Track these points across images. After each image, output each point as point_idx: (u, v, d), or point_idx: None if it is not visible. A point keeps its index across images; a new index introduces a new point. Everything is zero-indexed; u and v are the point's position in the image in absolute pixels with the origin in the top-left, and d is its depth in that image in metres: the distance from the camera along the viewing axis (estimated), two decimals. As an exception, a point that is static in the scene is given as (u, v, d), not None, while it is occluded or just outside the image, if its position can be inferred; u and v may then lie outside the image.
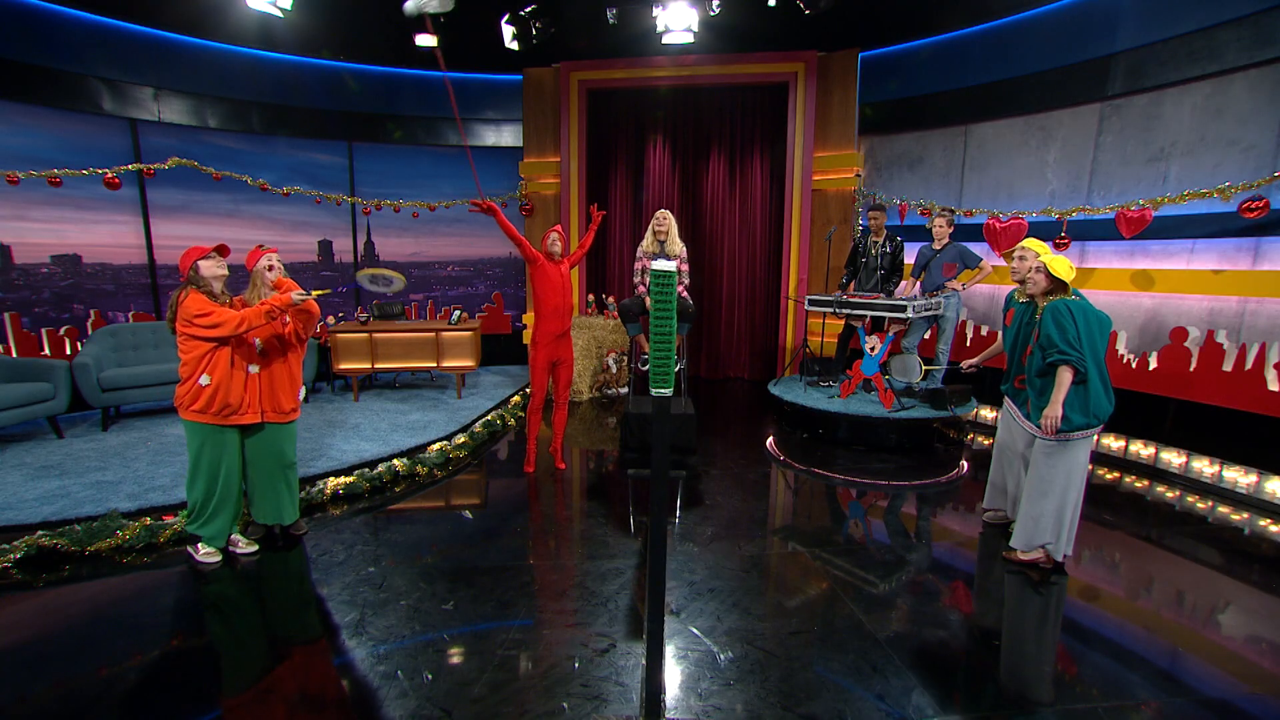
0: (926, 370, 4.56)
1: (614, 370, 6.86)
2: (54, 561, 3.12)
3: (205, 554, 3.10)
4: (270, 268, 3.12)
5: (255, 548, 3.23)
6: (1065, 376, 2.83)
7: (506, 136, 7.58)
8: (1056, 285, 2.96)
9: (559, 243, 4.15)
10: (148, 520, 3.34)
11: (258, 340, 3.08)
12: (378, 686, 2.26)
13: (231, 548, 3.20)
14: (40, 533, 3.16)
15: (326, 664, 2.44)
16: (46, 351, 5.60)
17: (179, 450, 4.38)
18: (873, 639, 2.58)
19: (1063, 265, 2.90)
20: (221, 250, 3.01)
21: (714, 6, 5.62)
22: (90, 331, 5.69)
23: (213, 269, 2.96)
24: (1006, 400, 3.42)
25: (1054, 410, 2.84)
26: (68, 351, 5.69)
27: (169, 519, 3.38)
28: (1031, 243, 3.10)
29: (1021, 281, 3.14)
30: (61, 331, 5.71)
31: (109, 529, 3.23)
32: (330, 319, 6.81)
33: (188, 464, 3.03)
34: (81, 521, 3.27)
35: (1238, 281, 4.46)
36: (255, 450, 3.20)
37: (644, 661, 2.30)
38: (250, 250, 3.18)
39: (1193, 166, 4.68)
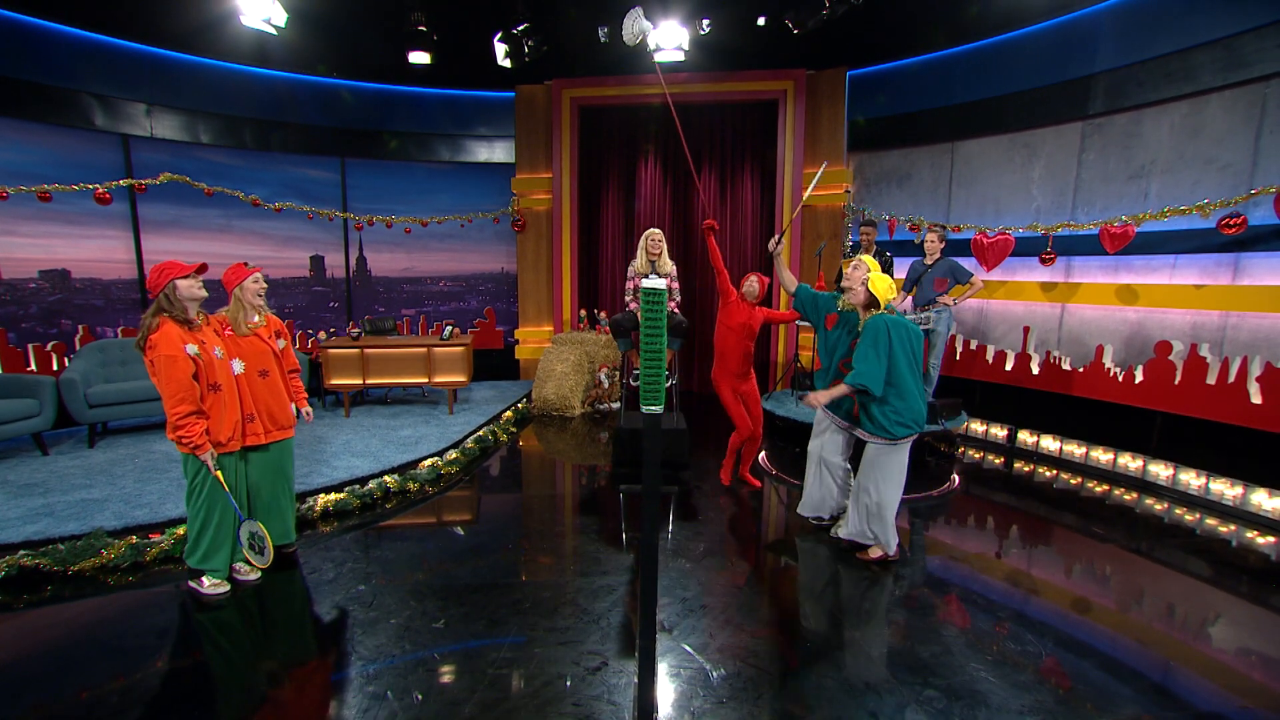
0: None
1: (606, 385, 6.86)
2: (36, 582, 3.07)
3: (212, 586, 2.95)
4: (260, 292, 3.11)
5: (259, 574, 3.12)
6: (845, 389, 3.18)
7: (499, 153, 7.64)
8: (872, 301, 3.16)
9: (756, 284, 4.10)
10: (133, 539, 3.29)
11: (238, 362, 3.00)
12: (367, 707, 2.23)
13: (236, 575, 3.08)
14: (22, 552, 3.11)
15: (315, 685, 2.40)
16: (33, 367, 5.54)
17: (167, 467, 4.33)
18: (866, 654, 2.58)
19: (883, 284, 3.14)
20: (202, 269, 2.85)
21: (704, 25, 5.73)
22: (78, 347, 5.64)
23: (192, 290, 2.78)
24: (827, 414, 3.55)
25: (820, 399, 3.25)
26: (54, 367, 5.64)
27: (155, 537, 3.33)
28: (868, 258, 3.34)
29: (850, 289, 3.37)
30: (49, 347, 5.65)
31: (93, 548, 3.18)
32: (321, 334, 6.78)
33: (185, 493, 2.91)
34: (65, 540, 3.22)
35: (1219, 296, 4.54)
36: (260, 470, 3.14)
37: (636, 680, 2.28)
38: (232, 265, 3.10)
39: (1172, 184, 4.78)
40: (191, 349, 2.76)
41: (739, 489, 4.46)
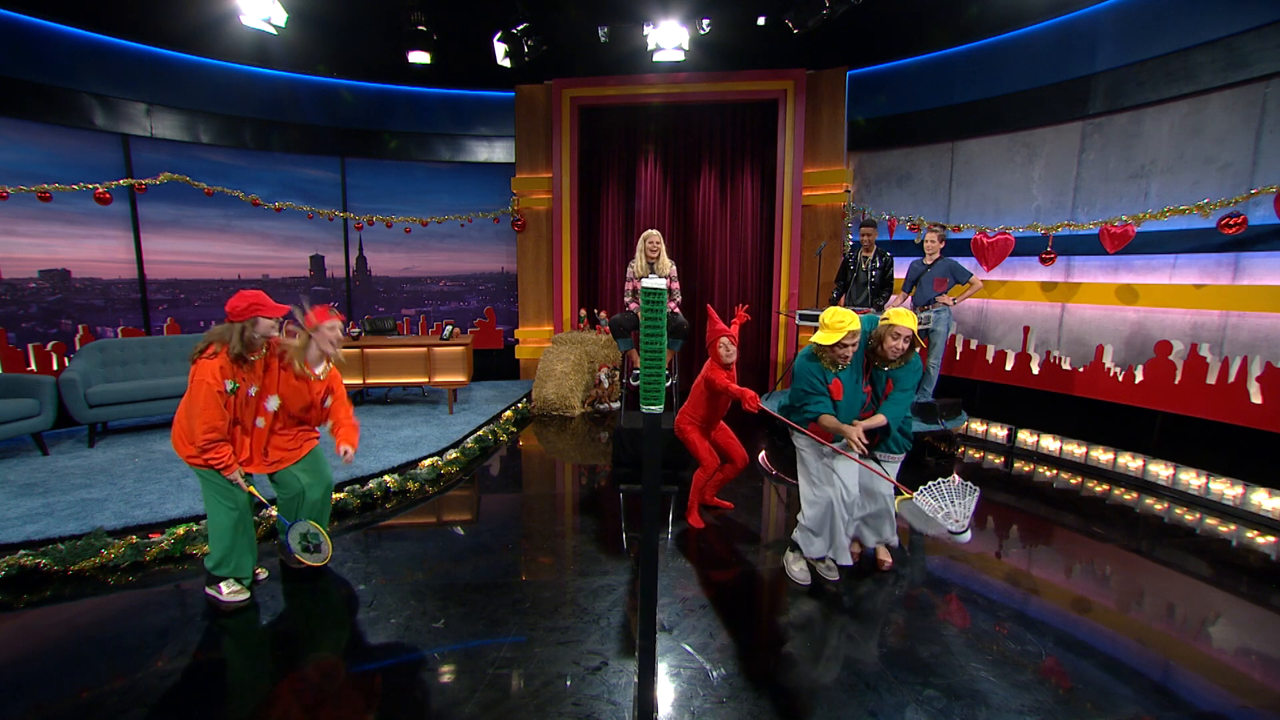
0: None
1: (606, 385, 6.86)
2: (36, 581, 3.07)
3: (233, 592, 2.89)
4: (334, 341, 2.97)
5: (263, 574, 3.09)
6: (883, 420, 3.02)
7: (499, 153, 7.64)
8: (915, 341, 2.94)
9: (734, 350, 3.59)
10: (134, 539, 3.29)
11: (273, 399, 2.93)
12: (366, 707, 2.23)
13: (293, 564, 3.08)
14: (22, 552, 3.11)
15: (314, 685, 2.40)
16: (33, 367, 5.54)
17: (167, 467, 4.33)
18: (866, 654, 2.58)
19: (912, 320, 2.87)
20: (290, 318, 2.86)
21: (704, 25, 5.72)
22: (78, 347, 5.64)
23: (269, 329, 2.79)
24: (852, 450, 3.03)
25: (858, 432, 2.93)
26: (55, 367, 5.64)
27: (155, 537, 3.33)
28: (898, 313, 2.90)
29: (878, 342, 2.96)
30: (49, 347, 5.65)
31: (93, 548, 3.18)
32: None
33: (207, 509, 2.84)
34: (65, 540, 3.22)
35: (1219, 296, 4.54)
36: (305, 473, 3.07)
37: (636, 679, 2.28)
38: (318, 308, 2.95)
39: (1172, 184, 4.78)
40: (230, 385, 2.74)
41: (715, 512, 4.05)
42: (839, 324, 2.79)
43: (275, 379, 2.92)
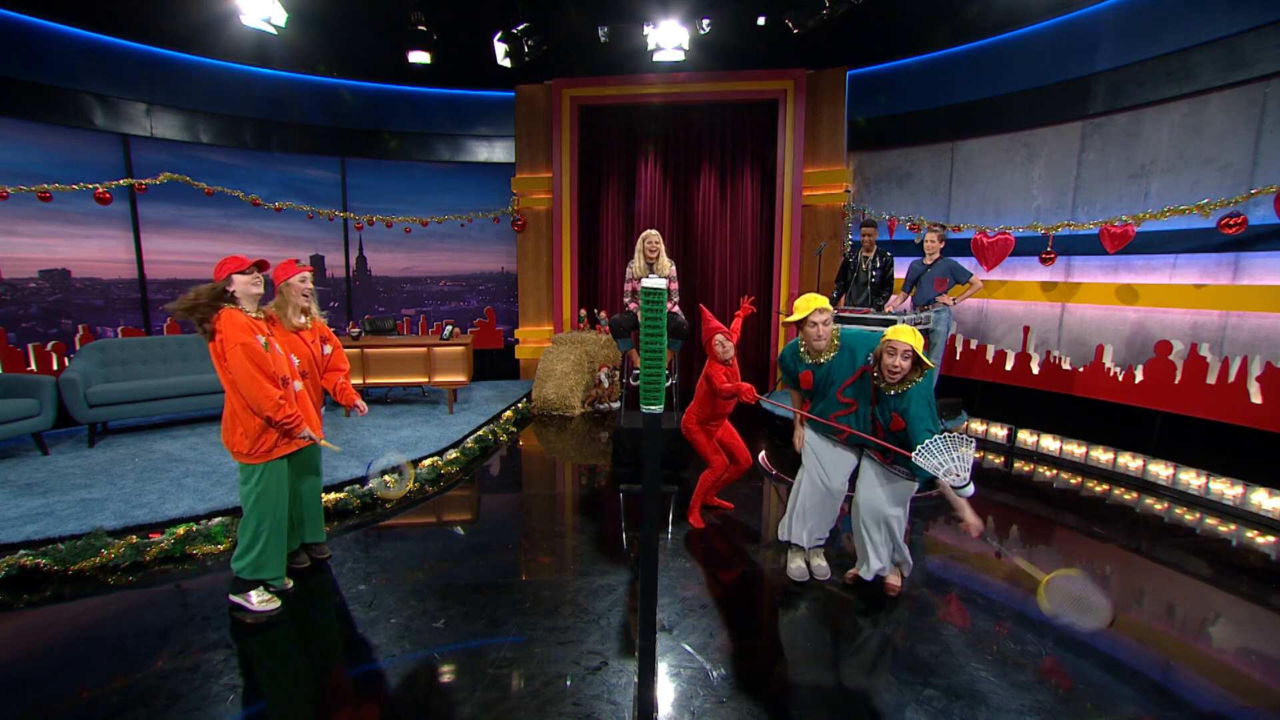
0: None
1: (606, 385, 6.86)
2: (36, 581, 3.07)
3: (262, 602, 2.77)
4: (306, 293, 2.98)
5: (290, 583, 3.01)
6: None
7: (499, 152, 7.64)
8: (919, 361, 2.67)
9: (731, 347, 3.53)
10: (133, 539, 3.29)
11: (295, 357, 2.90)
12: (367, 707, 2.23)
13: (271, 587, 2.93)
14: (22, 552, 3.11)
15: (314, 685, 2.40)
16: (33, 367, 5.55)
17: (167, 467, 4.33)
18: (867, 654, 2.58)
19: (918, 340, 2.63)
20: (261, 266, 2.71)
21: (704, 25, 5.72)
22: (78, 347, 5.64)
23: (247, 286, 2.66)
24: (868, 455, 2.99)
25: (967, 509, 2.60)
26: (55, 367, 5.64)
27: (155, 537, 3.33)
28: (905, 330, 2.68)
29: (876, 361, 2.76)
30: (49, 347, 5.66)
31: (93, 548, 3.18)
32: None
33: (244, 507, 2.75)
34: (65, 540, 3.22)
35: (1219, 296, 4.54)
36: (304, 468, 3.06)
37: (636, 679, 2.28)
38: (282, 262, 2.97)
39: (1172, 183, 4.79)
40: (260, 339, 2.64)
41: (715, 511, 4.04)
42: (804, 305, 2.86)
43: (283, 341, 2.86)
